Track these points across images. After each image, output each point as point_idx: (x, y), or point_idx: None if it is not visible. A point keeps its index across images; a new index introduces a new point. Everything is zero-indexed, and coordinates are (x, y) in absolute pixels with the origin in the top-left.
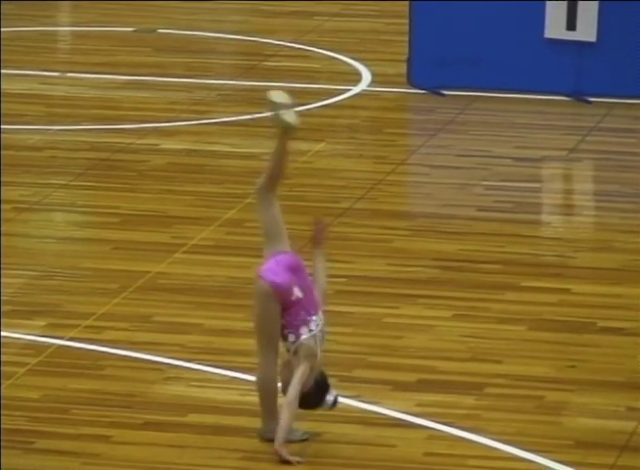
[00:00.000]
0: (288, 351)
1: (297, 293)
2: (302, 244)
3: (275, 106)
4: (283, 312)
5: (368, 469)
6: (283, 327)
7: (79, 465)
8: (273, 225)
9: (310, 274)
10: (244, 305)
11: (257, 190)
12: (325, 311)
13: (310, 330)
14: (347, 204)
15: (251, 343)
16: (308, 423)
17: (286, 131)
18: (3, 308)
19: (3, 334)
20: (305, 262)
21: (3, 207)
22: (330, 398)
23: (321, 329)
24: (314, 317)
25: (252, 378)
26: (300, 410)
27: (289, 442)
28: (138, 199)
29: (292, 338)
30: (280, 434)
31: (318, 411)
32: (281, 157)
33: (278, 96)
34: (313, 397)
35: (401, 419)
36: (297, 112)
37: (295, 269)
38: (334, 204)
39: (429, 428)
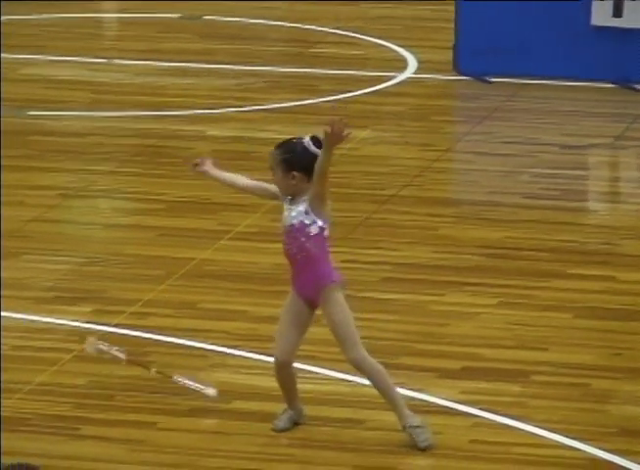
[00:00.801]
0: None
1: None
2: (349, 231)
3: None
4: None
5: (413, 456)
6: None
7: (125, 452)
8: None
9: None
10: (288, 291)
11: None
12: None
13: None
14: (393, 191)
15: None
16: (351, 409)
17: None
18: (48, 295)
19: (48, 320)
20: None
21: (47, 193)
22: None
23: None
24: None
25: (306, 367)
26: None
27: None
28: (183, 186)
29: None
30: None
31: (358, 397)
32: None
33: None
34: None
35: (447, 407)
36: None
37: None
38: (379, 191)
39: (474, 415)
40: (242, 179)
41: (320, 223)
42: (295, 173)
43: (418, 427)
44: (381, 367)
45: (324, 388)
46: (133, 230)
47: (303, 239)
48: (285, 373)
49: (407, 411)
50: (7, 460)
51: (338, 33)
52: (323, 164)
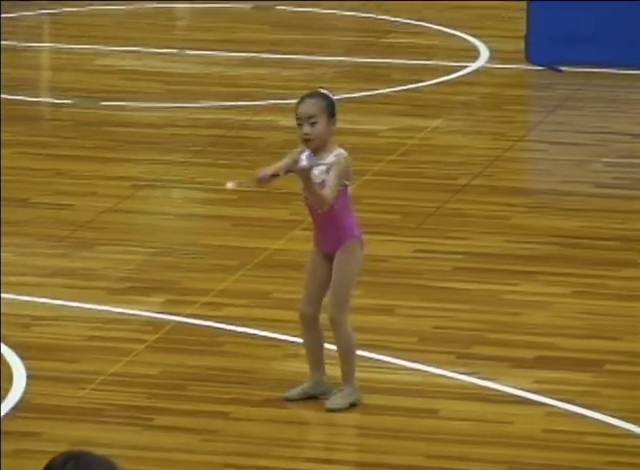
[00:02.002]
0: None
1: None
2: (421, 220)
3: None
4: None
5: (486, 445)
6: None
7: (198, 442)
8: None
9: None
10: (362, 281)
11: None
12: None
13: None
14: (465, 180)
15: (369, 320)
16: (424, 399)
17: None
18: (122, 286)
19: (121, 310)
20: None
21: (121, 183)
22: None
23: None
24: None
25: (370, 354)
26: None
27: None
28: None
29: None
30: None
31: (431, 387)
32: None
33: None
34: None
35: (519, 396)
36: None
37: None
38: (451, 180)
39: (547, 405)
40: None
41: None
42: (334, 119)
43: (342, 392)
44: (354, 337)
45: (397, 377)
46: (206, 220)
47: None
48: (310, 330)
49: (353, 380)
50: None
51: (409, 23)
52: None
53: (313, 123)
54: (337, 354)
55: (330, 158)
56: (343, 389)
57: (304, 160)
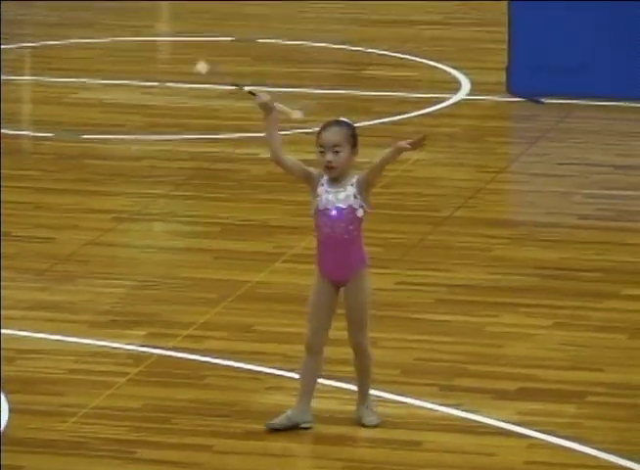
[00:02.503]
0: None
1: None
2: (403, 252)
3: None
4: None
5: None
6: None
7: None
8: None
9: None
10: (344, 313)
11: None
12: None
13: None
14: (447, 212)
15: (349, 351)
16: (410, 431)
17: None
18: (103, 319)
19: (103, 343)
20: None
21: (102, 216)
22: None
23: None
24: None
25: (351, 387)
26: None
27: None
28: (238, 208)
29: None
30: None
31: (414, 419)
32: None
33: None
34: None
35: (501, 428)
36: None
37: None
38: (434, 212)
39: (529, 437)
40: (284, 152)
41: (365, 207)
42: (357, 149)
43: (371, 411)
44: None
45: (379, 409)
46: (188, 253)
47: (350, 222)
48: (314, 359)
49: (370, 396)
50: None
51: (391, 55)
52: (391, 158)
53: (337, 152)
54: (323, 388)
55: (349, 185)
56: (368, 404)
57: (324, 185)
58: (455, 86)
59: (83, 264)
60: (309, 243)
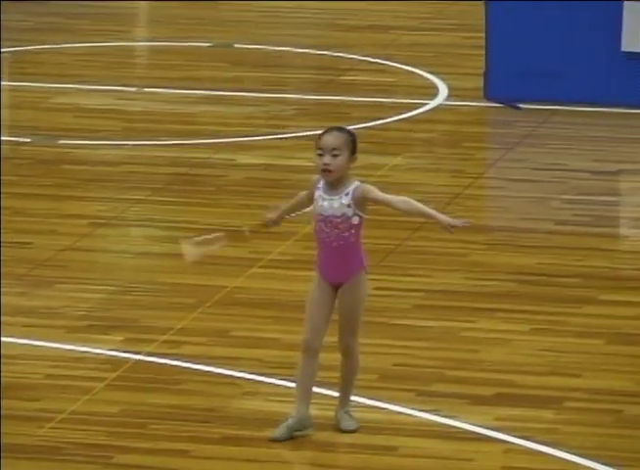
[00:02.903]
0: None
1: None
2: (381, 258)
3: None
4: None
5: None
6: None
7: None
8: None
9: None
10: (336, 317)
11: None
12: None
13: None
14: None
15: (330, 357)
16: (387, 437)
17: None
18: (81, 324)
19: (80, 349)
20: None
21: (78, 222)
22: None
23: None
24: None
25: (331, 392)
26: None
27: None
28: (215, 214)
29: None
30: None
31: (391, 424)
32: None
33: None
34: None
35: (479, 433)
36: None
37: None
38: (411, 218)
39: (507, 442)
40: (291, 205)
41: (361, 215)
42: (355, 157)
43: (350, 416)
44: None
45: (357, 415)
46: (165, 258)
47: (344, 229)
48: (310, 361)
49: (350, 402)
50: None
51: (368, 61)
52: (425, 213)
53: (335, 155)
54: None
55: (344, 193)
56: (348, 409)
57: (320, 189)
58: (433, 92)
59: (61, 269)
60: (286, 248)
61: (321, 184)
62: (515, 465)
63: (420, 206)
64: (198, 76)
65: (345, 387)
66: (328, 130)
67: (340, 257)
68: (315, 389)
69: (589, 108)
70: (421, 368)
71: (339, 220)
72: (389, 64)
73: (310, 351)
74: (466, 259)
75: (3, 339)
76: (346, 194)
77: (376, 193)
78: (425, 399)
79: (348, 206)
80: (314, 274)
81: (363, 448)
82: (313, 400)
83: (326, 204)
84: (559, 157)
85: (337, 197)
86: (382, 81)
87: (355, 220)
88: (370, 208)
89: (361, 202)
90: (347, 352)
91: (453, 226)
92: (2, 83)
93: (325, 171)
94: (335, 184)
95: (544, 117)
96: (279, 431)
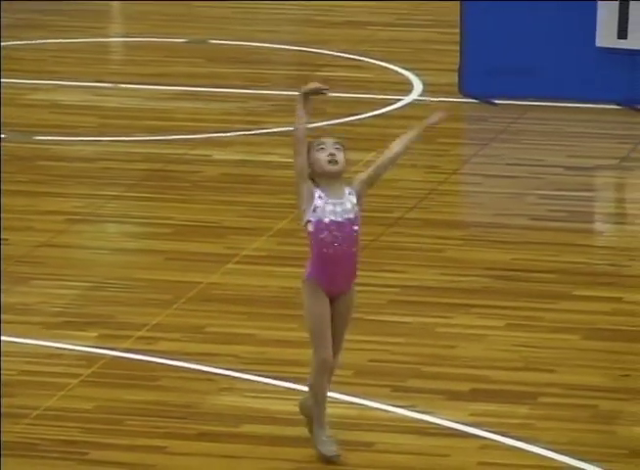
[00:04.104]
0: None
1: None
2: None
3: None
4: None
5: None
6: None
7: None
8: None
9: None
10: (297, 315)
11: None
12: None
13: None
14: (400, 213)
15: (305, 352)
16: (362, 433)
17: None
18: (56, 320)
19: (56, 345)
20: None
21: (54, 218)
22: None
23: None
24: None
25: (306, 388)
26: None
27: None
28: (191, 209)
29: None
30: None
31: (366, 420)
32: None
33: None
34: None
35: (455, 429)
36: None
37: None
38: (386, 213)
39: (482, 437)
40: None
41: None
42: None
43: (331, 441)
44: None
45: (332, 411)
46: (141, 254)
47: (357, 230)
48: (328, 379)
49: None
50: None
51: (344, 56)
52: (413, 137)
53: (338, 149)
54: (275, 389)
55: (346, 194)
56: (328, 433)
57: (322, 198)
58: (408, 88)
59: (36, 266)
60: (261, 244)
61: (318, 192)
62: (490, 461)
63: (403, 138)
64: (173, 73)
65: (324, 407)
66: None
67: (352, 263)
68: (288, 384)
69: (564, 103)
70: (396, 364)
71: (354, 222)
72: (365, 60)
73: (327, 366)
74: (441, 255)
75: None
76: (350, 193)
77: (364, 174)
78: (400, 395)
79: (356, 204)
80: (305, 288)
81: (339, 444)
82: (287, 396)
83: (338, 208)
84: (534, 152)
85: (344, 199)
86: (357, 77)
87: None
88: None
89: (361, 194)
90: (333, 368)
91: (436, 122)
92: None
93: (332, 162)
94: (337, 185)
95: (519, 113)
96: (329, 446)
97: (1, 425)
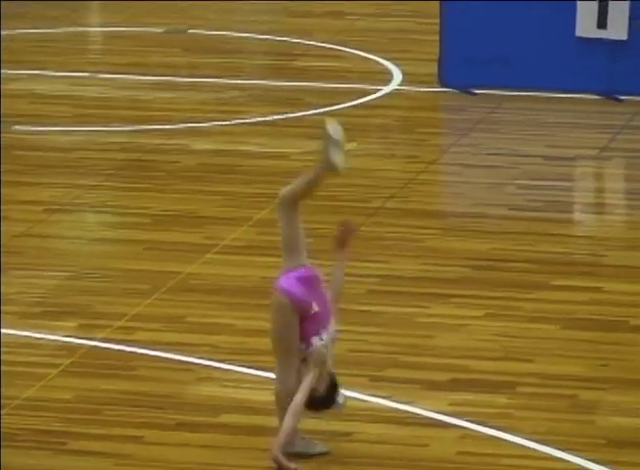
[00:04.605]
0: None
1: (315, 307)
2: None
3: (329, 141)
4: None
5: (401, 468)
6: None
7: (111, 466)
8: (293, 239)
9: (327, 277)
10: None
11: (281, 202)
12: (337, 312)
13: (321, 339)
14: (379, 203)
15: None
16: (341, 423)
17: (328, 170)
18: (35, 310)
19: (34, 335)
20: (329, 264)
21: (32, 208)
22: (339, 399)
23: (332, 336)
24: (327, 326)
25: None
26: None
27: (307, 455)
28: (169, 199)
29: (302, 347)
30: (281, 439)
31: (350, 411)
32: (313, 186)
33: (335, 131)
34: (324, 398)
35: (434, 418)
36: (345, 152)
37: (313, 283)
38: (365, 203)
39: (461, 427)
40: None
41: None
42: None
43: (313, 442)
44: None
45: None
46: (119, 244)
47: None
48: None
49: None
50: None
51: (322, 46)
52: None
53: None
54: (247, 378)
55: None
56: (305, 436)
57: None
58: (387, 77)
59: (14, 256)
60: (240, 234)
61: None
62: (469, 450)
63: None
64: (151, 62)
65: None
66: None
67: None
68: (260, 373)
69: (543, 93)
70: (375, 354)
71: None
72: (344, 49)
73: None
74: (420, 245)
75: None
76: None
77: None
78: (379, 385)
79: None
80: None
81: (317, 434)
82: (266, 386)
83: None
84: (512, 142)
85: None
86: (336, 67)
87: None
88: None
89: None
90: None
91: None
92: None
93: None
94: None
95: (498, 103)
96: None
97: (1, 414)
